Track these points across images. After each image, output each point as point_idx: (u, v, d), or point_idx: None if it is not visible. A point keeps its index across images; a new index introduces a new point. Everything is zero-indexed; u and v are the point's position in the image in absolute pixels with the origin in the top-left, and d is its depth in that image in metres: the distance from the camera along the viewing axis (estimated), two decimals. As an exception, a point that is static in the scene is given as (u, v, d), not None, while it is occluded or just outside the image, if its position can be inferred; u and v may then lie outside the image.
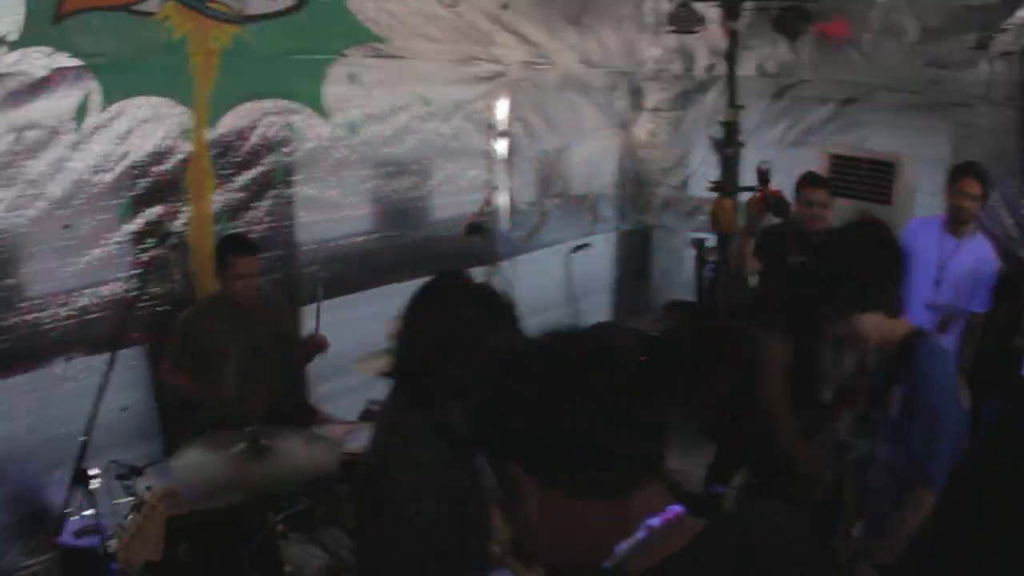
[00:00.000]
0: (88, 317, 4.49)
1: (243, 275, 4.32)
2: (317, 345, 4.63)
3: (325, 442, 3.68)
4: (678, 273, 7.70)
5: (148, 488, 2.20)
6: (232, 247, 4.41)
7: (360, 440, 3.91)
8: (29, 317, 4.31)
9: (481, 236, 5.12)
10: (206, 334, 4.33)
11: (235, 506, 3.56)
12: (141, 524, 2.18)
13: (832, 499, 3.97)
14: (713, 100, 7.16)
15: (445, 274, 2.43)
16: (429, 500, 2.19)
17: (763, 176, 4.88)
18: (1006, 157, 5.61)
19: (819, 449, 3.73)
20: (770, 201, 4.74)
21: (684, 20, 6.54)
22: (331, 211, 5.39)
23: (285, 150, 5.09)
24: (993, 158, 5.38)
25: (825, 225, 4.76)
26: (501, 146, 6.42)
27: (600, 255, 7.51)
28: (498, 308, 2.29)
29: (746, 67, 6.69)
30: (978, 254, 4.91)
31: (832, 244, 3.77)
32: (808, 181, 4.90)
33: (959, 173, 4.83)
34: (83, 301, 4.48)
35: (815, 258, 4.12)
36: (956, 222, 4.86)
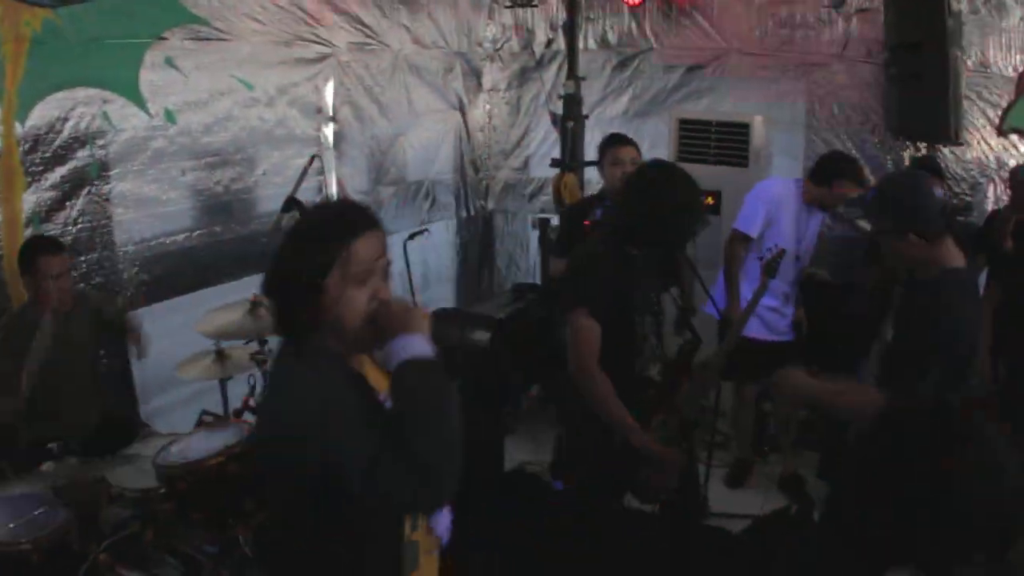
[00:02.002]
0: None
1: (54, 275, 4.08)
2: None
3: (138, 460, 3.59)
4: (523, 257, 7.63)
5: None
6: (38, 248, 4.16)
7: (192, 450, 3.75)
8: None
9: (300, 212, 4.89)
10: (21, 346, 4.01)
11: (55, 536, 3.36)
12: None
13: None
14: (553, 76, 7.10)
15: None
16: None
17: None
18: (866, 112, 5.83)
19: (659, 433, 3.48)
20: None
21: (523, -8, 6.41)
22: (150, 207, 5.10)
23: (99, 143, 4.79)
24: (852, 115, 5.63)
25: None
26: (329, 132, 6.23)
27: (440, 244, 7.37)
28: None
29: (587, 40, 6.69)
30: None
31: None
32: (616, 140, 4.77)
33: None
34: None
35: None
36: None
